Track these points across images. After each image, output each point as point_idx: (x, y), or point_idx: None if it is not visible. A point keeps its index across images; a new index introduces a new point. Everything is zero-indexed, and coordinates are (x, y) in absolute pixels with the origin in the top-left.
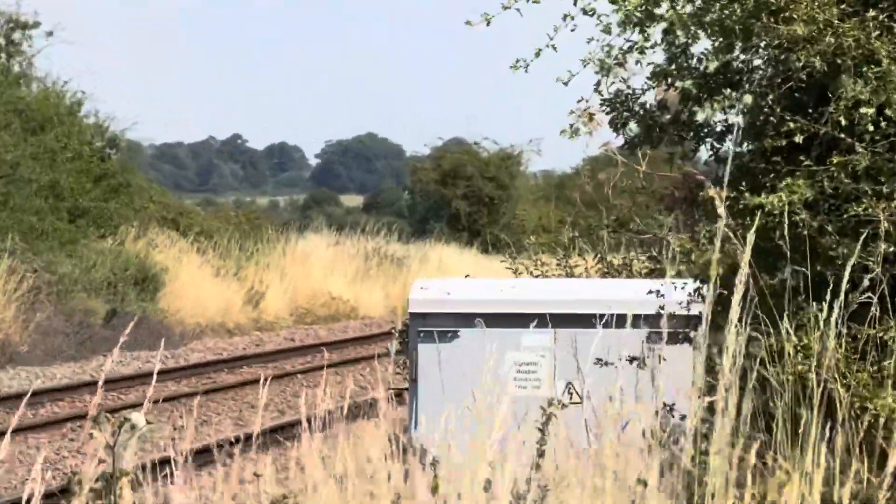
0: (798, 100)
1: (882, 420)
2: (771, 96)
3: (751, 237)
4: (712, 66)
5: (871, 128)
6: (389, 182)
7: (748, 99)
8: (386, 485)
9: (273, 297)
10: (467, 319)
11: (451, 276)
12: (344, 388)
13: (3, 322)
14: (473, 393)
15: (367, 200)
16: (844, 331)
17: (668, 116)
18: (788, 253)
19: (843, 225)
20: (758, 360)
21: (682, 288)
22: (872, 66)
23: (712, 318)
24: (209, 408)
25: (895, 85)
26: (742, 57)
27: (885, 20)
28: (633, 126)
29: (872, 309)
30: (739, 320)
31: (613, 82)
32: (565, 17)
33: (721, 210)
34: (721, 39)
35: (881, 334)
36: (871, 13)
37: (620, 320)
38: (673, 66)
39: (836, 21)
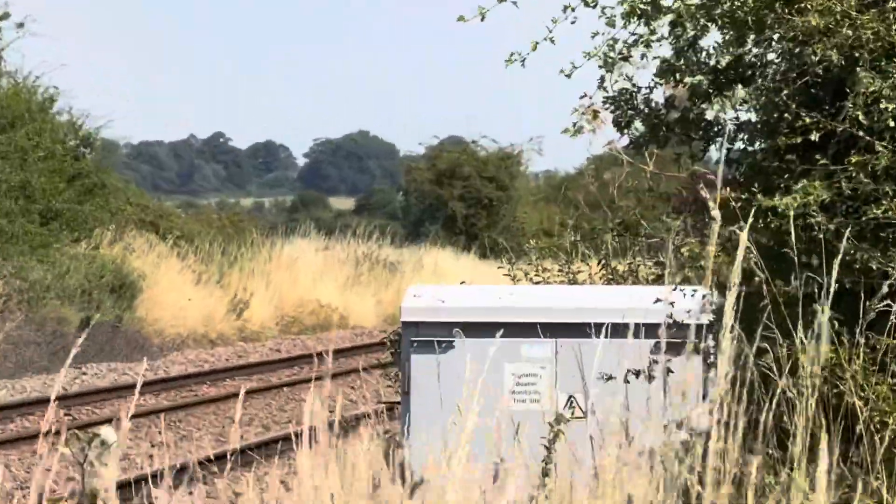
0: (814, 95)
1: None
2: (785, 92)
3: (744, 237)
4: (723, 60)
5: (891, 124)
6: (382, 183)
7: (742, 93)
8: None
9: (258, 305)
10: (463, 329)
11: (446, 282)
12: (333, 402)
13: None
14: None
15: (359, 202)
16: (863, 341)
17: (676, 114)
18: (799, 257)
19: (861, 228)
20: (774, 370)
21: (692, 295)
22: (893, 60)
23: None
24: (189, 423)
25: None
26: (754, 51)
27: None
28: (638, 125)
29: (892, 318)
30: (746, 331)
31: (617, 80)
32: (565, 8)
33: (715, 213)
34: (732, 32)
35: None
36: (892, 4)
37: (626, 330)
38: (681, 62)
39: (853, 12)
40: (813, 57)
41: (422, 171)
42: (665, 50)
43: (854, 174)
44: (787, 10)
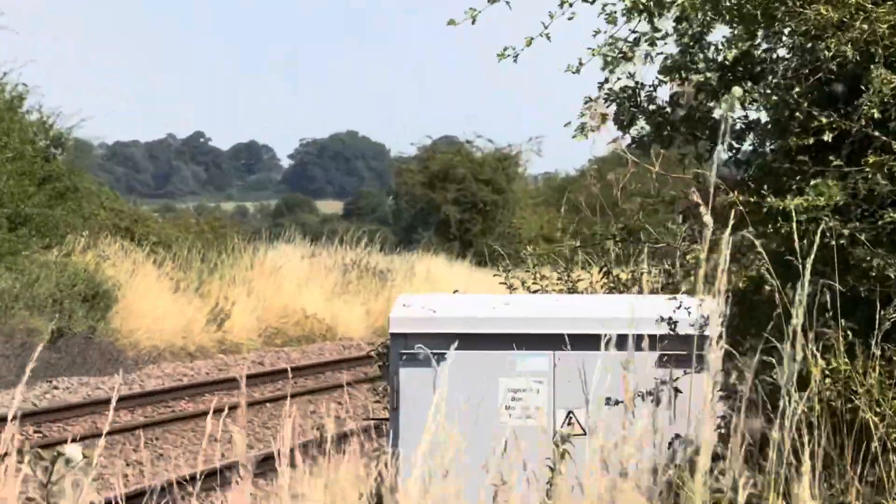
0: (827, 93)
1: None
2: (797, 89)
3: (726, 237)
4: (730, 55)
5: None
6: (371, 186)
7: (738, 92)
8: None
9: (239, 315)
10: (455, 340)
11: (440, 290)
12: (318, 419)
13: None
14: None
15: (347, 206)
16: (878, 353)
17: (681, 113)
18: (812, 264)
19: (877, 233)
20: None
21: (699, 305)
22: None
23: (731, 340)
24: (166, 440)
25: None
26: (764, 46)
27: None
28: (642, 123)
29: None
30: (745, 337)
31: (619, 78)
32: (562, 3)
33: (707, 218)
34: (740, 27)
35: None
36: None
37: (628, 342)
38: (687, 58)
39: (868, 5)
40: (826, 52)
41: (413, 174)
42: (670, 48)
43: (870, 175)
44: (798, 3)
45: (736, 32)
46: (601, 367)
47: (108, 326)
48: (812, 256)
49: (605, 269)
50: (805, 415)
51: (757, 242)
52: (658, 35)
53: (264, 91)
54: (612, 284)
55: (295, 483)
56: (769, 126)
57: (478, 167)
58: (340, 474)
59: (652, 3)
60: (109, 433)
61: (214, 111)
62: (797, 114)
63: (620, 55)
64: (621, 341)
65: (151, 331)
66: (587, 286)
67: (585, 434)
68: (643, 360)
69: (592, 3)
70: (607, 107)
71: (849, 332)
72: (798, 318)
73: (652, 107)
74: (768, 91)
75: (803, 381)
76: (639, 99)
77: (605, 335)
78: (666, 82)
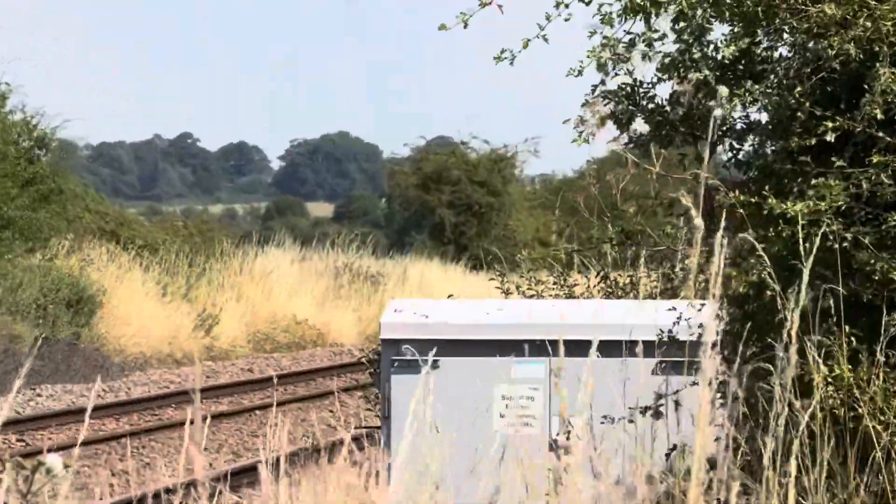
0: (829, 93)
1: None
2: (798, 89)
3: (718, 238)
4: (728, 51)
5: None
6: (363, 188)
7: (724, 91)
8: None
9: (228, 320)
10: (449, 347)
11: (434, 295)
12: (309, 427)
13: None
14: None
15: (338, 209)
16: (882, 360)
17: (681, 112)
18: (814, 268)
19: (881, 236)
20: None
21: (699, 310)
22: None
23: (732, 346)
24: (153, 449)
25: None
26: (765, 44)
27: None
28: (640, 122)
29: None
30: (746, 343)
31: (617, 74)
32: (558, 4)
33: (698, 220)
34: (740, 26)
35: None
36: None
37: (627, 348)
38: (686, 57)
39: (872, 2)
40: (829, 51)
41: (406, 175)
42: (669, 47)
43: (874, 176)
44: (800, 0)
45: (736, 30)
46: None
47: (92, 332)
48: (812, 260)
49: (602, 274)
50: (808, 423)
51: (758, 245)
52: (655, 36)
53: (253, 91)
54: (609, 289)
55: (281, 493)
56: (770, 126)
57: (473, 168)
58: (330, 484)
59: (648, 2)
60: (94, 442)
61: (202, 111)
62: (799, 114)
63: (615, 56)
64: (619, 347)
65: (137, 337)
66: (584, 291)
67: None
68: (642, 366)
69: (588, 3)
70: (605, 105)
71: (852, 339)
72: (794, 322)
73: (651, 105)
74: (769, 91)
75: (806, 389)
76: (637, 97)
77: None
78: (664, 80)
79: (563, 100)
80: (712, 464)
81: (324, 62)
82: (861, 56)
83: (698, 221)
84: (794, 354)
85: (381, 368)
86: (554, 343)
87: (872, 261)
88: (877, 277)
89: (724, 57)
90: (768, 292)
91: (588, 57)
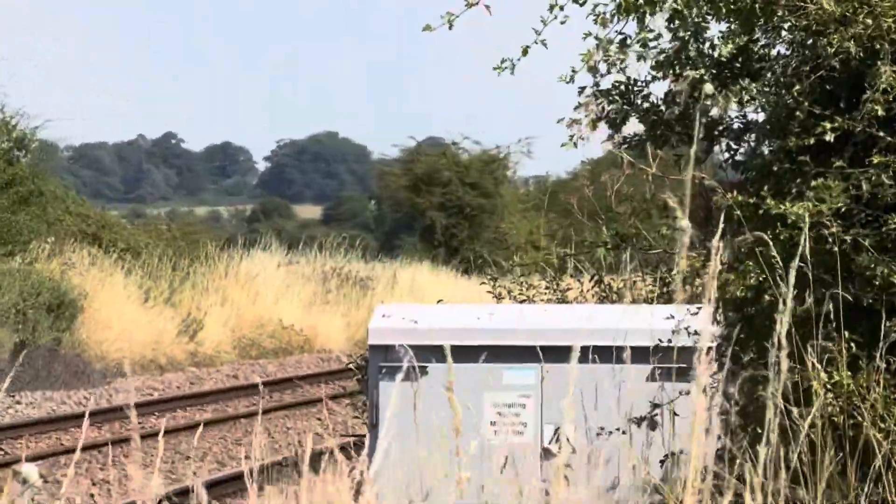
0: (829, 92)
1: None
2: (797, 87)
3: (716, 242)
4: (725, 49)
5: None
6: (352, 190)
7: (709, 89)
8: None
9: (213, 326)
10: (438, 353)
11: (424, 300)
12: (296, 435)
13: None
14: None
15: (326, 211)
16: (883, 366)
17: (676, 111)
18: (814, 272)
19: (881, 238)
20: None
21: (694, 315)
22: None
23: (731, 352)
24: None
25: None
26: (763, 41)
27: None
28: (634, 122)
29: None
30: (744, 349)
31: (610, 72)
32: (552, 7)
33: (684, 222)
34: (737, 23)
35: None
36: None
37: (621, 354)
38: (681, 54)
39: None
40: (828, 48)
41: (396, 177)
42: (664, 46)
43: (874, 177)
44: None
45: (733, 28)
46: (594, 381)
47: (73, 338)
48: (810, 263)
49: (596, 278)
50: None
51: (757, 247)
52: (651, 35)
53: (239, 90)
54: (603, 293)
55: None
56: (768, 126)
57: (464, 170)
58: (315, 495)
59: (644, 2)
60: (74, 451)
61: (187, 111)
62: (797, 113)
63: (607, 57)
64: (613, 352)
65: (120, 342)
66: (577, 295)
67: (574, 451)
68: (636, 372)
69: (583, 4)
70: (598, 104)
71: (852, 344)
72: (783, 325)
73: (645, 105)
74: (767, 89)
75: (805, 396)
76: (631, 96)
77: (596, 346)
78: (659, 78)
79: (563, 100)
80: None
81: (313, 61)
82: (861, 54)
83: (684, 223)
84: (785, 360)
85: (368, 375)
86: (546, 348)
87: (873, 264)
88: (877, 282)
89: (720, 55)
90: (766, 296)
91: (582, 61)
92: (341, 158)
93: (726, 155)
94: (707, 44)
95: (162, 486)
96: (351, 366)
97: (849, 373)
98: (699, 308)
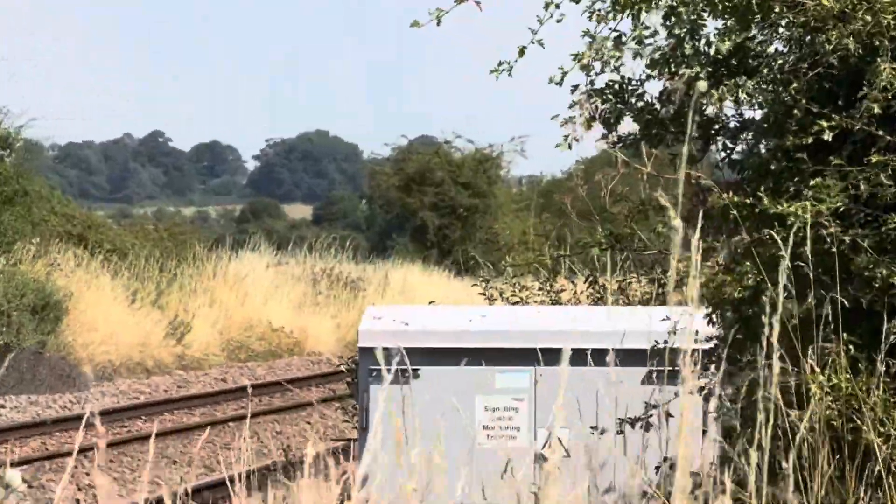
0: (827, 89)
1: None
2: (794, 85)
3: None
4: (724, 47)
5: None
6: (343, 189)
7: (702, 86)
8: None
9: (200, 328)
10: (430, 355)
11: (416, 301)
12: (285, 440)
13: None
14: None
15: (316, 211)
16: (882, 369)
17: (672, 110)
18: (813, 273)
19: (880, 239)
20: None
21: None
22: None
23: (728, 354)
24: (122, 463)
25: None
26: (759, 38)
27: None
28: (629, 121)
29: None
30: (741, 351)
31: (604, 70)
32: (547, 5)
33: (677, 222)
34: (733, 20)
35: None
36: None
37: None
38: (677, 52)
39: None
40: (826, 45)
41: (388, 176)
42: (659, 44)
43: (873, 176)
44: None
45: (729, 24)
46: (586, 384)
47: (59, 340)
48: (808, 263)
49: (590, 279)
50: (804, 435)
51: (761, 247)
52: (646, 33)
53: (227, 87)
54: (598, 295)
55: None
56: (765, 124)
57: (457, 169)
58: (303, 501)
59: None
60: (60, 455)
61: (174, 109)
62: (795, 111)
63: (599, 56)
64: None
65: (106, 345)
66: (571, 297)
67: (569, 456)
68: (631, 375)
69: (578, 1)
70: (592, 104)
71: (850, 347)
72: (774, 326)
73: (640, 104)
74: (764, 87)
75: (803, 399)
76: (626, 95)
77: (590, 349)
78: (654, 77)
79: (562, 99)
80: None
81: (303, 59)
82: (860, 51)
83: (677, 223)
84: (777, 362)
85: (358, 378)
86: (539, 351)
87: (872, 265)
88: (877, 283)
89: (718, 52)
90: (764, 297)
91: (573, 61)
92: (332, 157)
93: (723, 154)
94: (703, 41)
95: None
96: (342, 368)
97: (848, 375)
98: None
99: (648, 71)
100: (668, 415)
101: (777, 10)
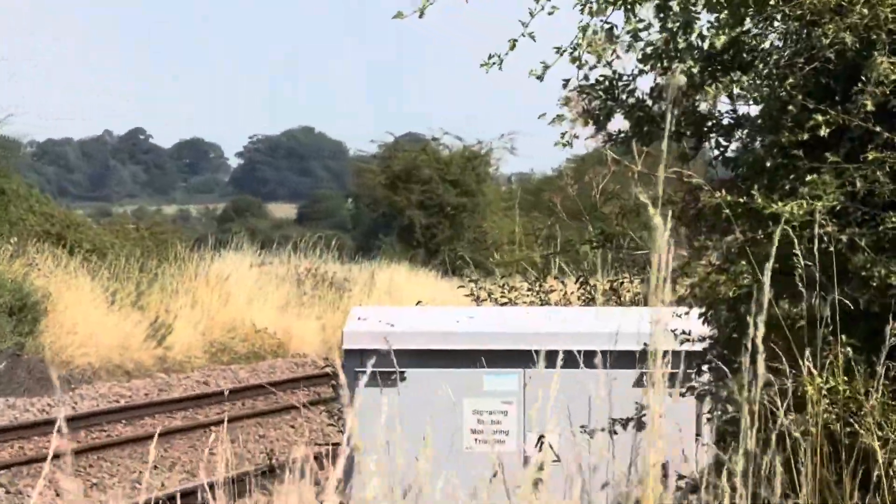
0: (823, 85)
1: None
2: (790, 80)
3: (663, 240)
4: (718, 42)
5: None
6: (328, 187)
7: (681, 80)
8: None
9: (182, 329)
10: (416, 357)
11: (403, 302)
12: (269, 444)
13: None
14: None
15: (301, 210)
16: (881, 371)
17: (664, 106)
18: (808, 273)
19: (878, 238)
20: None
21: (683, 317)
22: None
23: (722, 356)
24: (101, 468)
25: None
26: (754, 31)
27: None
28: (620, 119)
29: None
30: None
31: (595, 66)
32: None
33: (657, 219)
34: (727, 13)
35: None
36: None
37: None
38: (670, 46)
39: None
40: (823, 39)
41: (374, 174)
42: (652, 38)
43: (870, 174)
44: None
45: (721, 18)
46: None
47: (36, 342)
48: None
49: (581, 279)
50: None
51: (755, 246)
52: (640, 26)
53: (210, 83)
54: (588, 295)
55: None
56: (760, 121)
57: (445, 167)
58: None
59: None
60: (38, 460)
61: (155, 106)
62: (790, 107)
63: (591, 49)
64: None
65: (85, 347)
66: (561, 297)
67: (559, 460)
68: (623, 378)
69: None
70: (582, 101)
71: (848, 349)
72: (759, 328)
73: (631, 100)
74: (759, 82)
75: (800, 403)
76: (616, 91)
77: (581, 351)
78: (646, 71)
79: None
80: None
81: (288, 55)
82: (857, 45)
83: (657, 220)
84: (763, 364)
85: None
86: (529, 353)
87: (869, 265)
88: (874, 283)
89: (712, 46)
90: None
91: (557, 54)
92: (317, 155)
93: (716, 152)
94: (695, 34)
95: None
96: (328, 370)
97: (845, 378)
98: (687, 311)
99: (640, 66)
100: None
101: (772, 2)
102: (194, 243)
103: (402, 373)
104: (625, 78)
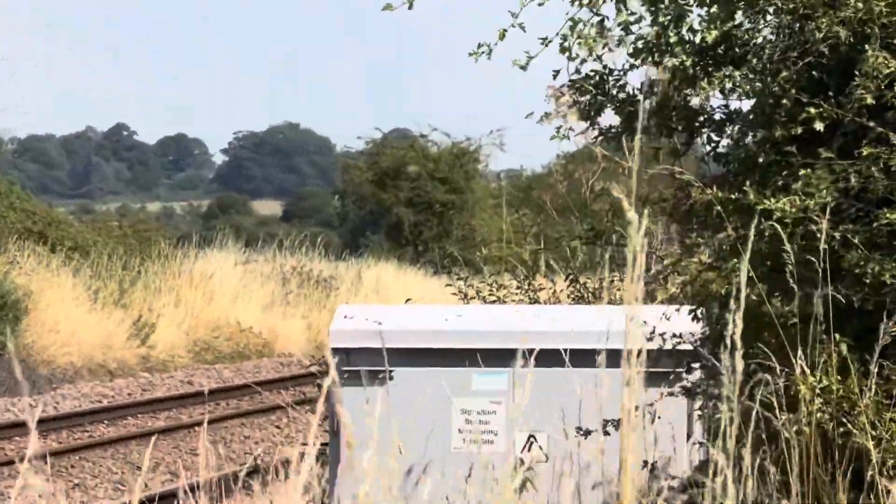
0: (817, 79)
1: None
2: (783, 74)
3: (639, 236)
4: (710, 36)
5: None
6: (314, 184)
7: (652, 73)
8: None
9: (166, 328)
10: (404, 356)
11: (390, 301)
12: (253, 444)
13: None
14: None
15: (287, 207)
16: (875, 370)
17: (656, 101)
18: (800, 270)
19: (871, 235)
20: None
21: (672, 316)
22: None
23: (713, 353)
24: (83, 469)
25: None
26: (747, 25)
27: None
28: (610, 114)
29: None
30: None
31: (585, 60)
32: None
33: (631, 214)
34: (718, 6)
35: None
36: None
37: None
38: (661, 40)
39: None
40: (816, 33)
41: (361, 171)
42: (645, 31)
43: (864, 170)
44: None
45: (713, 11)
46: (567, 386)
47: (17, 341)
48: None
49: (570, 277)
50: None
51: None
52: (632, 19)
53: (194, 78)
54: (578, 293)
55: None
56: (752, 116)
57: (433, 164)
58: None
59: None
60: (17, 461)
61: (139, 101)
62: (783, 102)
63: (578, 41)
64: (588, 356)
65: (67, 346)
66: (550, 296)
67: (548, 460)
68: (614, 376)
69: None
70: (572, 95)
71: (842, 347)
72: (738, 324)
73: (621, 95)
74: (751, 77)
75: (793, 402)
76: (607, 86)
77: (570, 349)
78: (637, 66)
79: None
80: (687, 484)
81: (273, 49)
82: (851, 39)
83: (631, 215)
84: (740, 362)
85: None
86: (517, 352)
87: (863, 262)
88: (868, 280)
89: (704, 41)
90: (752, 295)
91: (542, 45)
92: (303, 151)
93: (708, 147)
94: (686, 28)
95: None
96: (314, 369)
97: (839, 377)
98: (677, 309)
99: (631, 60)
100: (655, 416)
101: None
102: (178, 241)
103: (391, 372)
104: (615, 73)
